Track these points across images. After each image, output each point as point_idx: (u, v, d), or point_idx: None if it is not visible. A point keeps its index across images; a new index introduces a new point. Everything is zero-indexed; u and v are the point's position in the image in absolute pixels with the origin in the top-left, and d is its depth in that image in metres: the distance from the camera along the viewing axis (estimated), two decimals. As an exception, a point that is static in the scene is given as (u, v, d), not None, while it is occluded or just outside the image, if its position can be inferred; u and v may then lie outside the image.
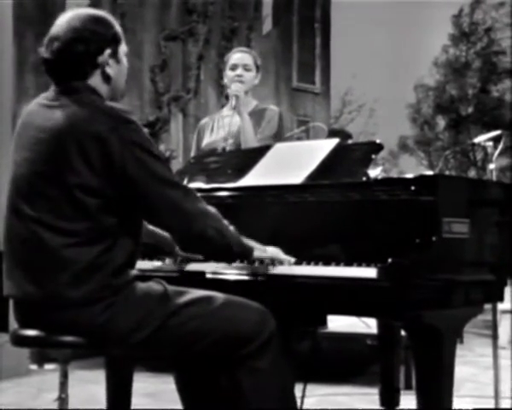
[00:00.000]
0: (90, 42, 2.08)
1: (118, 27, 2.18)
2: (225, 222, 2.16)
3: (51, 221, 1.98)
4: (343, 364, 5.16)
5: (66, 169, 1.97)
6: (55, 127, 2.01)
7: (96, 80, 2.12)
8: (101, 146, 1.96)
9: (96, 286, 1.98)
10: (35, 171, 2.03)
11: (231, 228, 2.17)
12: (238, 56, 3.56)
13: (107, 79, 2.14)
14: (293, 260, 2.24)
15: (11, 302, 2.15)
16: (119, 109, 2.04)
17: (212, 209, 2.13)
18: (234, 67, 3.53)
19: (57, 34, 2.09)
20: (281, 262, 2.23)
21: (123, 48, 2.19)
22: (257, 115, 3.51)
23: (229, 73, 3.54)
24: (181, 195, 2.07)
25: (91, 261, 1.98)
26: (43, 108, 2.10)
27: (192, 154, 3.67)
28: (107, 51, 2.12)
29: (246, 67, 3.52)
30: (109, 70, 2.13)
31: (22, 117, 2.18)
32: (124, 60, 2.20)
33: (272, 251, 2.26)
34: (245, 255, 2.22)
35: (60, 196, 1.98)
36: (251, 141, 3.35)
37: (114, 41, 2.15)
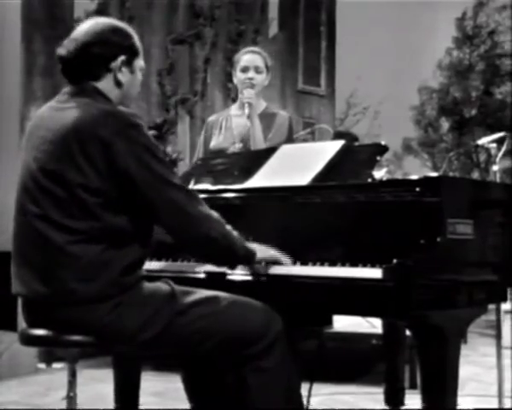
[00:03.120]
0: (105, 46, 2.15)
1: (137, 42, 2.25)
2: (228, 226, 2.17)
3: (56, 219, 2.01)
4: (348, 363, 5.16)
5: (71, 169, 2.00)
6: (63, 128, 2.04)
7: (107, 84, 2.17)
8: (105, 149, 1.99)
9: (103, 284, 2.00)
10: (42, 169, 2.06)
11: (234, 232, 2.18)
12: (249, 58, 3.49)
13: (118, 84, 2.19)
14: (289, 261, 2.25)
15: (20, 302, 2.18)
16: (125, 113, 2.08)
17: (214, 213, 2.14)
18: (245, 70, 3.47)
19: (76, 36, 2.17)
20: (280, 263, 2.24)
21: (139, 62, 2.25)
22: (267, 119, 3.48)
23: (239, 75, 3.49)
24: (184, 197, 2.09)
25: (96, 258, 1.99)
26: (54, 111, 2.14)
27: (198, 151, 3.63)
28: (121, 58, 2.18)
29: (257, 70, 3.47)
30: (121, 76, 2.19)
31: (33, 119, 2.23)
32: (138, 73, 2.25)
33: (274, 253, 2.26)
34: (248, 258, 2.22)
35: (64, 194, 2.00)
36: (260, 147, 3.34)
37: (130, 52, 2.21)
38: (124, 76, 2.20)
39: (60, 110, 2.12)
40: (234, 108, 3.64)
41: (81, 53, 2.15)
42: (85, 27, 2.19)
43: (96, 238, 2.01)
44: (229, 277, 2.34)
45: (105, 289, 2.01)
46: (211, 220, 2.12)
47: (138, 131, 2.05)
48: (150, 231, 2.17)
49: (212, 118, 3.70)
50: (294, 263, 2.25)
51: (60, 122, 2.07)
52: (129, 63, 2.21)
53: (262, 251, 2.25)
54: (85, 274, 1.99)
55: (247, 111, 3.38)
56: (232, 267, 2.27)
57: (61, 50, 2.18)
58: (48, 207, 2.02)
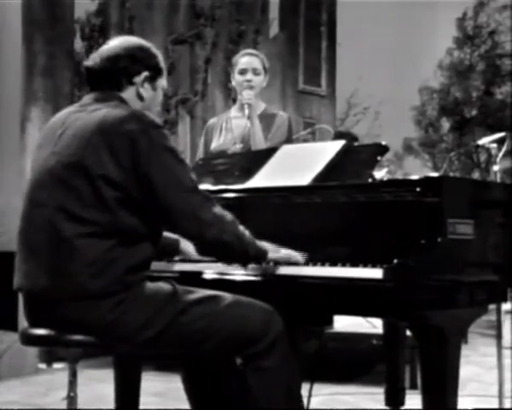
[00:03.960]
0: (130, 61, 2.24)
1: (162, 62, 2.34)
2: (241, 227, 2.19)
3: (72, 209, 2.03)
4: (349, 363, 5.16)
5: (93, 160, 2.03)
6: (88, 125, 2.09)
7: (129, 95, 2.25)
8: (130, 144, 2.04)
9: (107, 282, 2.01)
10: (61, 162, 2.08)
11: (247, 232, 2.20)
12: (247, 60, 3.53)
13: (140, 97, 2.27)
14: (301, 259, 2.25)
15: (20, 301, 2.19)
16: (149, 115, 2.15)
17: (229, 215, 2.16)
18: (243, 72, 3.51)
19: (104, 50, 2.26)
20: (296, 263, 2.25)
21: (162, 81, 2.34)
22: (266, 120, 3.51)
23: (238, 78, 3.52)
24: (199, 201, 2.11)
25: (103, 255, 2.01)
26: (76, 113, 2.18)
27: (199, 154, 3.66)
28: (145, 74, 2.26)
29: (255, 72, 3.50)
30: (143, 91, 2.27)
31: (50, 122, 2.27)
32: (160, 92, 2.34)
33: (285, 252, 2.27)
34: (260, 258, 2.24)
35: (83, 185, 2.03)
36: (261, 147, 3.36)
37: (154, 70, 2.29)
38: (146, 91, 2.27)
39: (83, 112, 2.16)
40: (233, 110, 3.68)
41: (107, 64, 2.23)
42: (114, 43, 2.28)
43: (107, 234, 2.03)
44: (231, 277, 2.34)
45: (108, 286, 2.02)
46: (224, 223, 2.14)
47: (161, 133, 2.12)
48: (159, 235, 2.20)
49: (211, 121, 3.75)
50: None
51: (84, 121, 2.11)
52: (152, 80, 2.29)
53: (273, 251, 2.26)
54: (91, 270, 2.00)
55: (246, 112, 3.41)
56: (244, 266, 2.30)
57: (88, 62, 2.26)
58: (65, 199, 2.04)
